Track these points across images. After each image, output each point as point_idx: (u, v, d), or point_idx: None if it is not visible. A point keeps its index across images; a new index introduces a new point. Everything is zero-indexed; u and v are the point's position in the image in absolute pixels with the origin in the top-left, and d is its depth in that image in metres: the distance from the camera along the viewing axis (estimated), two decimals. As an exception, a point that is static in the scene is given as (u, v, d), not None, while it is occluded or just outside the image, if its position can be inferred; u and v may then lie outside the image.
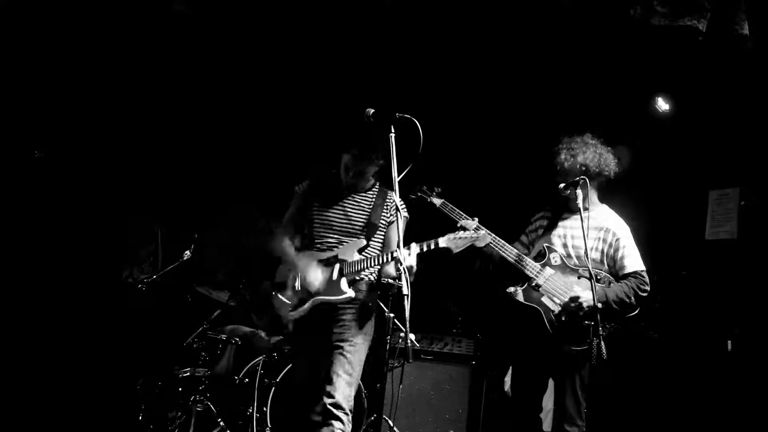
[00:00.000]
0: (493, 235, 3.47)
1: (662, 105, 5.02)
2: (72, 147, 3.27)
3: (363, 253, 3.21)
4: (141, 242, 5.41)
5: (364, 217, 3.27)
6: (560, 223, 3.54)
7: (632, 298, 3.22)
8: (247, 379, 4.37)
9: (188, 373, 4.33)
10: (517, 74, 5.38)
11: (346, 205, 3.30)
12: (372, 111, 2.82)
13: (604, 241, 3.37)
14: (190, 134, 5.48)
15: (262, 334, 4.77)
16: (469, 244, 3.23)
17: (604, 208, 3.53)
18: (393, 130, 2.74)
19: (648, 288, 3.28)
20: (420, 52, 5.08)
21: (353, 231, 3.25)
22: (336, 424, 2.96)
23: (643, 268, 3.32)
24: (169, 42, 4.61)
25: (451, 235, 3.14)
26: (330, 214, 3.29)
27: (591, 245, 3.33)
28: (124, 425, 3.96)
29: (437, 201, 3.74)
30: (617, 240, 3.35)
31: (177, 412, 4.28)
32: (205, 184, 5.56)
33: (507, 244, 3.47)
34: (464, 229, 3.23)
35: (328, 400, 3.00)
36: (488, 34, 4.83)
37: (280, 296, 3.28)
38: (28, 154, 3.06)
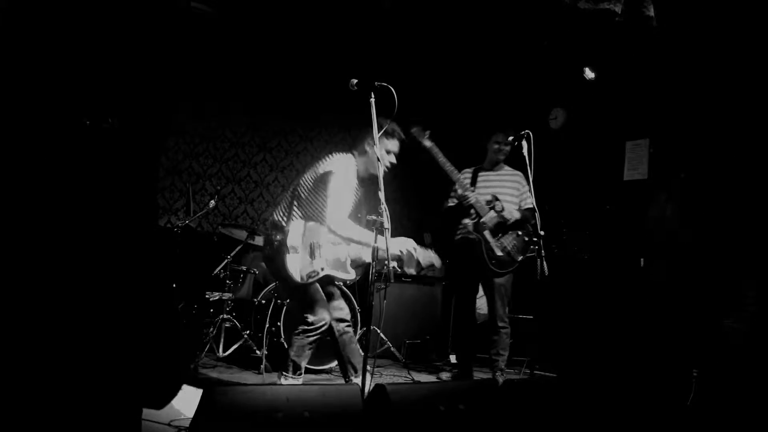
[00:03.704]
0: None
1: (589, 74, 5.51)
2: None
3: None
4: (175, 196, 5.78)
5: None
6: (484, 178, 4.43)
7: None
8: (263, 301, 4.66)
9: (217, 297, 4.68)
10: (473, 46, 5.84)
11: None
12: (355, 81, 2.88)
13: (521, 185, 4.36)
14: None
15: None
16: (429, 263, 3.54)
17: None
18: (373, 96, 2.87)
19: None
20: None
21: None
22: None
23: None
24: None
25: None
26: None
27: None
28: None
29: (428, 143, 4.06)
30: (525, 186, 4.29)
31: (210, 328, 4.62)
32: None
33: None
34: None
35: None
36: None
37: None
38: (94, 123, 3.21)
